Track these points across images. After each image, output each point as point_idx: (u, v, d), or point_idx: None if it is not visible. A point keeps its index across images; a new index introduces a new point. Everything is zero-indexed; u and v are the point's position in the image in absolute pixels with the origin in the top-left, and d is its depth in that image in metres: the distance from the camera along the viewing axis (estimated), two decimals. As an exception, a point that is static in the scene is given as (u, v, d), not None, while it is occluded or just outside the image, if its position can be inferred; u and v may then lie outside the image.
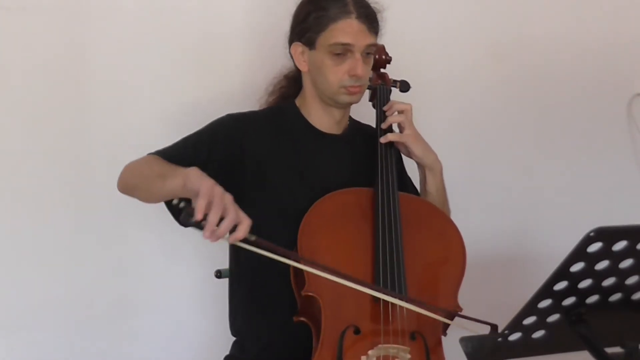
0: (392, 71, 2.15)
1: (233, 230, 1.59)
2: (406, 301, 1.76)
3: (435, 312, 1.77)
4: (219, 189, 1.60)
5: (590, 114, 2.90)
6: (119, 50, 2.33)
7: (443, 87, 2.70)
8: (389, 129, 2.02)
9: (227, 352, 2.02)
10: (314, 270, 1.71)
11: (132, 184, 1.88)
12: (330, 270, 1.70)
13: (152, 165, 1.84)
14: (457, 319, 1.81)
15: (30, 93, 2.27)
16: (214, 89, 2.42)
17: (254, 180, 1.90)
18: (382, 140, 1.98)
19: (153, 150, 1.92)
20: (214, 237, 1.58)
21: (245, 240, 1.62)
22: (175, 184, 1.68)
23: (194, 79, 2.42)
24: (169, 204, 1.84)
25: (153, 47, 2.36)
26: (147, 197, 1.87)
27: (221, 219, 1.57)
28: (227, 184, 1.66)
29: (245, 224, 1.60)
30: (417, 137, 2.00)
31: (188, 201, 1.62)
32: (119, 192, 1.92)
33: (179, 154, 1.87)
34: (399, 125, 2.01)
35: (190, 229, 1.61)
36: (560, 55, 2.84)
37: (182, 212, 1.59)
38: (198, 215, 1.56)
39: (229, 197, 1.60)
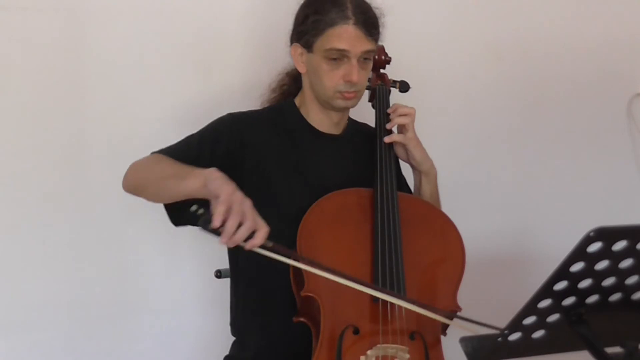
0: (392, 71, 2.15)
1: (251, 236, 1.58)
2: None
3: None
4: (239, 195, 1.59)
5: (590, 114, 2.90)
6: (119, 49, 2.33)
7: (443, 87, 2.70)
8: (391, 130, 2.02)
9: (227, 352, 2.03)
10: (334, 276, 1.69)
11: (141, 183, 1.85)
12: (349, 277, 1.69)
13: (163, 165, 1.82)
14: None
15: (30, 93, 2.27)
16: (214, 88, 2.42)
17: (254, 179, 1.90)
18: (387, 140, 1.98)
19: (153, 150, 1.90)
20: (231, 243, 1.57)
21: (262, 247, 1.60)
22: (194, 184, 1.66)
23: (194, 77, 2.42)
24: (168, 204, 1.84)
25: (153, 46, 2.36)
26: (157, 197, 1.84)
27: (239, 225, 1.56)
28: None
29: (263, 231, 1.59)
30: (418, 141, 2.00)
31: (202, 203, 1.61)
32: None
33: (183, 154, 1.86)
34: (402, 128, 2.01)
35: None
36: (560, 55, 2.84)
37: (201, 218, 1.57)
38: (216, 222, 1.54)
39: (248, 203, 1.59)
